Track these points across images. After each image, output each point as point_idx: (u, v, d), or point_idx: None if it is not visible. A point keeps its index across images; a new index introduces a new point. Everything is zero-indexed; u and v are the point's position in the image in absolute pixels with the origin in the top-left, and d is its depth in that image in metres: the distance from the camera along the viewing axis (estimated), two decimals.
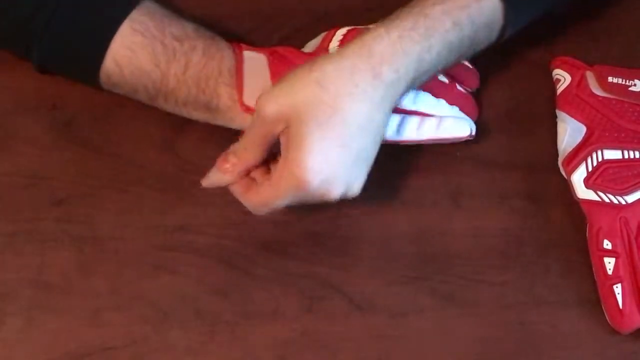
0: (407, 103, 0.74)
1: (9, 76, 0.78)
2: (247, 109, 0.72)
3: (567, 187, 0.76)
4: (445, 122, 0.74)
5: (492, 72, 0.80)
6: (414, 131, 0.74)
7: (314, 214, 0.76)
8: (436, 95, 0.75)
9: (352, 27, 0.76)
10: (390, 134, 0.74)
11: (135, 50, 0.72)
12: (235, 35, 0.78)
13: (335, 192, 0.69)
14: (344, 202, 0.76)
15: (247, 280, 0.75)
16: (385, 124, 0.70)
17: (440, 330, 0.74)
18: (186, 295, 0.74)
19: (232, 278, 0.75)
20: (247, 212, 0.76)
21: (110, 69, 0.73)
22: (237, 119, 0.73)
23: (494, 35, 0.74)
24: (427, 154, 0.78)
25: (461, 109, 0.76)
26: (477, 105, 0.78)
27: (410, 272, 0.75)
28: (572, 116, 0.77)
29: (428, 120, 0.74)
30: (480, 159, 0.78)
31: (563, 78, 0.78)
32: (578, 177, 0.75)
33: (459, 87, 0.77)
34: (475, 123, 0.77)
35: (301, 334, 0.73)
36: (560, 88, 0.78)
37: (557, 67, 0.79)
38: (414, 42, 0.69)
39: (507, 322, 0.74)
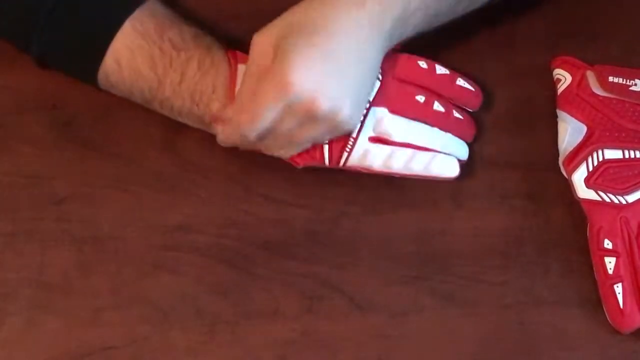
0: (400, 133, 0.73)
1: (9, 76, 0.78)
2: None
3: (568, 186, 0.76)
4: (435, 160, 0.74)
5: (492, 72, 0.80)
6: (403, 165, 0.74)
7: (314, 214, 0.76)
8: (431, 124, 0.75)
9: None
10: (378, 165, 0.73)
11: (134, 51, 0.72)
12: (235, 36, 0.78)
13: (321, 103, 0.67)
14: (344, 201, 0.76)
15: (247, 280, 0.75)
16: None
17: (440, 330, 0.74)
18: (186, 295, 0.74)
19: (232, 278, 0.74)
20: (247, 212, 0.76)
21: (110, 68, 0.72)
22: None
23: None
24: None
25: (455, 134, 0.76)
26: (473, 126, 0.77)
27: (410, 272, 0.75)
28: (572, 116, 0.77)
29: (419, 155, 0.73)
30: (480, 159, 0.78)
31: (564, 78, 0.78)
32: (579, 177, 0.75)
33: (455, 114, 0.76)
34: (476, 123, 0.77)
35: (301, 334, 0.73)
36: (561, 88, 0.78)
37: (558, 66, 0.79)
38: None
39: (507, 322, 0.74)
